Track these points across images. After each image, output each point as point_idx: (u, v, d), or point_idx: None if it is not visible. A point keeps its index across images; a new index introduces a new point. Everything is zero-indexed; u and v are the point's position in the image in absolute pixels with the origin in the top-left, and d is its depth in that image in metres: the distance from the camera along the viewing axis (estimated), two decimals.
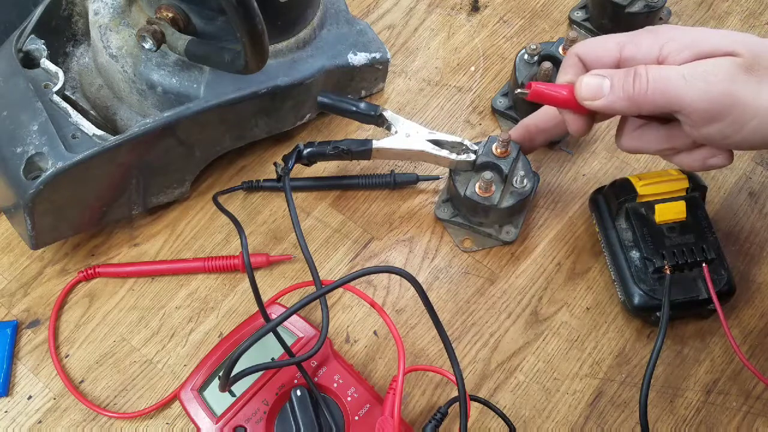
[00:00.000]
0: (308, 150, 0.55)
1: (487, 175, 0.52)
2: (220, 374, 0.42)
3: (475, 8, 0.71)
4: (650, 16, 0.66)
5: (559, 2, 0.71)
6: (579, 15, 0.69)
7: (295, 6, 0.54)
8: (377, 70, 0.63)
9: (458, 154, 0.54)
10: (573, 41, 0.58)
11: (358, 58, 0.60)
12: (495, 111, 0.64)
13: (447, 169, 0.57)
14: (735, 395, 0.51)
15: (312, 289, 0.52)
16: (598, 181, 0.60)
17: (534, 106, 0.61)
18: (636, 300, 0.51)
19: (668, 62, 0.42)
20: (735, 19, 0.70)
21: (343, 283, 0.43)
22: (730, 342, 0.50)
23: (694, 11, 0.70)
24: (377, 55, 0.61)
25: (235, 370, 0.42)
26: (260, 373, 0.47)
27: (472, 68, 0.67)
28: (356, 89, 0.63)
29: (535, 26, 0.70)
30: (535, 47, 0.60)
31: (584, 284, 0.56)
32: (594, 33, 0.68)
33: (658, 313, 0.50)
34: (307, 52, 0.57)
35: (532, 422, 0.50)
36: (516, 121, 0.63)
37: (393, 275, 0.56)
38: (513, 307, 0.55)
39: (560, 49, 0.59)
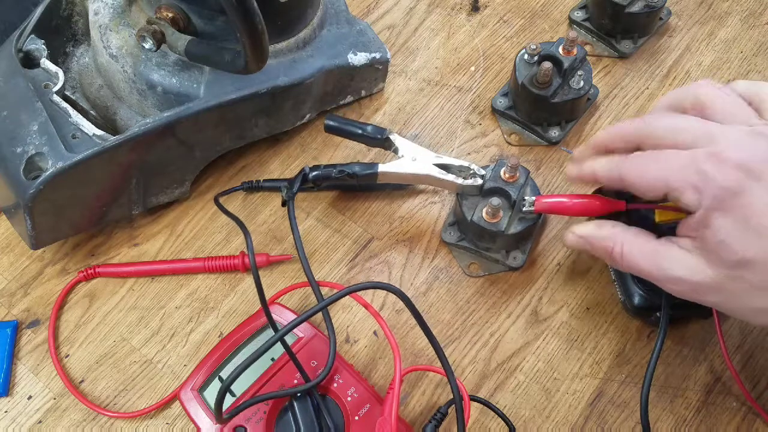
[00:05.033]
0: (314, 173, 0.55)
1: (495, 201, 0.52)
2: (216, 399, 0.43)
3: (475, 8, 0.71)
4: (650, 16, 0.66)
5: (559, 2, 0.71)
6: (579, 15, 0.69)
7: (295, 6, 0.54)
8: (377, 70, 0.63)
9: (465, 178, 0.54)
10: (573, 41, 0.58)
11: (358, 58, 0.60)
12: (495, 111, 0.64)
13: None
14: (735, 395, 0.51)
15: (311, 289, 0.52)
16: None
17: (535, 104, 0.61)
18: (636, 300, 0.51)
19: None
20: (735, 19, 0.70)
21: (337, 298, 0.43)
22: (723, 351, 0.50)
23: (694, 11, 0.70)
24: (377, 55, 0.61)
25: (242, 378, 0.42)
26: (260, 373, 0.48)
27: (472, 68, 0.67)
28: (356, 89, 0.63)
29: (535, 26, 0.70)
30: (535, 47, 0.60)
31: (584, 284, 0.56)
32: (594, 33, 0.68)
33: (658, 313, 0.50)
34: (307, 52, 0.57)
35: (532, 422, 0.50)
36: (516, 121, 0.63)
37: (392, 274, 0.56)
38: (513, 307, 0.55)
39: (560, 49, 0.59)
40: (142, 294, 0.55)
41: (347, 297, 0.52)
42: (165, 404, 0.50)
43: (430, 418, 0.48)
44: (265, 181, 0.59)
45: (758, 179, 0.36)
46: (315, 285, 0.50)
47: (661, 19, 0.68)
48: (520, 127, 0.63)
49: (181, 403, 0.47)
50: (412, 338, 0.53)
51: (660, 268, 0.39)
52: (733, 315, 0.40)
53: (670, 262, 0.39)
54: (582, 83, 0.59)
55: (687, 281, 0.38)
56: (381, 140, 0.56)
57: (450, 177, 0.54)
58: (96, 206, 0.53)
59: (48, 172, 0.47)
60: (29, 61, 0.53)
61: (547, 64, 0.57)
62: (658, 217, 0.52)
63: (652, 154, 0.40)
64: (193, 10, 0.51)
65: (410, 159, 0.55)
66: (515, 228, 0.53)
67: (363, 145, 0.60)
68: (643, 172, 0.40)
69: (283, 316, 0.50)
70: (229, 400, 0.47)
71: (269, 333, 0.49)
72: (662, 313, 0.49)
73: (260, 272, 0.56)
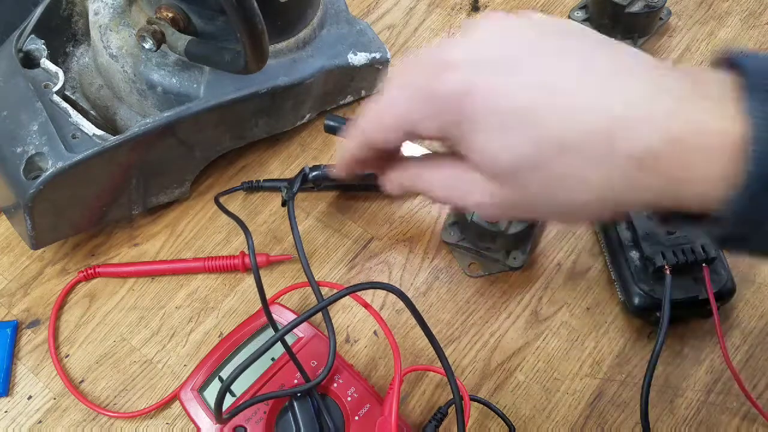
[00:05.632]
0: (314, 173, 0.55)
1: None
2: (216, 399, 0.42)
3: (475, 8, 0.71)
4: (650, 16, 0.66)
5: (559, 2, 0.71)
6: (579, 15, 0.69)
7: (295, 6, 0.54)
8: (377, 70, 0.63)
9: None
10: None
11: (358, 58, 0.60)
12: None
13: None
14: (735, 395, 0.51)
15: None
16: None
17: None
18: (636, 300, 0.51)
19: None
20: (735, 19, 0.70)
21: (337, 298, 0.43)
22: (723, 351, 0.50)
23: (694, 11, 0.70)
24: (377, 55, 0.61)
25: (242, 378, 0.42)
26: (260, 373, 0.48)
27: None
28: (356, 89, 0.63)
29: None
30: None
31: (584, 284, 0.56)
32: None
33: (658, 313, 0.50)
34: (307, 52, 0.57)
35: (532, 422, 0.50)
36: None
37: (392, 274, 0.56)
38: (513, 306, 0.55)
39: None
40: (142, 294, 0.55)
41: (347, 297, 0.52)
42: (165, 404, 0.50)
43: (430, 418, 0.48)
44: (265, 181, 0.59)
45: (479, 65, 0.28)
46: (315, 285, 0.50)
47: (661, 19, 0.68)
48: None
49: (181, 403, 0.47)
50: (412, 338, 0.53)
51: (462, 199, 0.31)
52: (556, 220, 0.32)
53: (469, 186, 0.31)
54: None
55: (488, 205, 0.30)
56: None
57: None
58: (96, 206, 0.53)
59: (48, 172, 0.47)
60: (29, 61, 0.53)
61: None
62: None
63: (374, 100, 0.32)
64: (193, 10, 0.51)
65: None
66: (515, 228, 0.53)
67: None
68: (374, 116, 0.31)
69: (283, 316, 0.50)
70: (229, 400, 0.47)
71: (269, 333, 0.49)
72: (662, 313, 0.49)
73: (260, 272, 0.56)
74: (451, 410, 0.48)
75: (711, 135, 0.25)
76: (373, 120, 0.32)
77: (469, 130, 0.28)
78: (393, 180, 0.35)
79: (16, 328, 0.53)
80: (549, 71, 0.27)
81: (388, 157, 0.34)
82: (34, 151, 0.48)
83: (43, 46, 0.54)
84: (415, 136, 0.30)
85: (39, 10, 0.55)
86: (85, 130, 0.50)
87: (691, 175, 0.25)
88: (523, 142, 0.27)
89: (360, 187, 0.59)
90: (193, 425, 0.47)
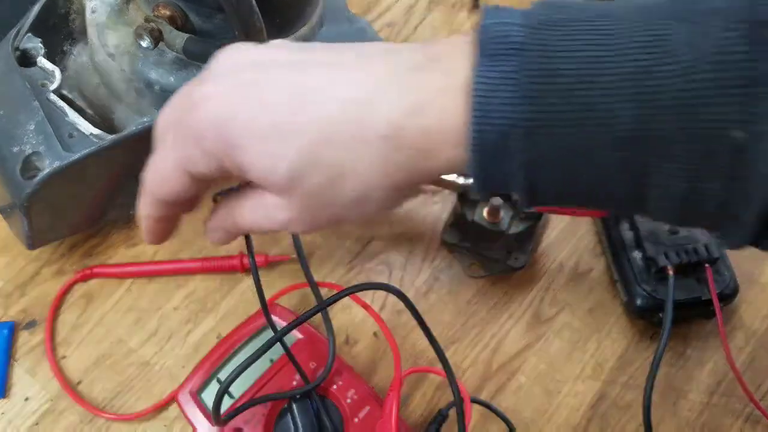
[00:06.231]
0: None
1: (496, 200, 0.51)
2: (214, 401, 0.42)
3: (476, 6, 0.70)
4: None
5: None
6: None
7: (294, 4, 0.54)
8: None
9: (466, 178, 0.54)
10: None
11: None
12: None
13: None
14: (738, 397, 0.51)
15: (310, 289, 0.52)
16: None
17: None
18: (639, 301, 0.51)
19: None
20: None
21: (337, 299, 0.43)
22: (726, 353, 0.49)
23: None
24: None
25: (240, 380, 0.41)
26: (259, 375, 0.47)
27: None
28: None
29: None
30: None
31: (586, 285, 0.55)
32: None
33: (660, 314, 0.50)
34: None
35: (533, 424, 0.50)
36: None
37: (392, 275, 0.55)
38: (514, 308, 0.54)
39: None
40: (140, 295, 0.55)
41: (347, 298, 0.51)
42: (163, 406, 0.50)
43: (431, 420, 0.48)
44: None
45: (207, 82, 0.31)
46: (314, 285, 0.50)
47: None
48: None
49: (179, 405, 0.47)
50: (412, 339, 0.53)
51: (270, 221, 0.32)
52: (357, 219, 0.31)
53: (272, 209, 0.31)
54: None
55: (292, 221, 0.31)
56: None
57: (451, 176, 0.54)
58: (93, 206, 0.53)
59: (45, 172, 0.47)
60: (26, 59, 0.53)
61: None
62: None
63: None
64: (190, 8, 0.50)
65: None
66: (516, 228, 0.52)
67: None
68: (155, 171, 0.32)
69: (282, 317, 0.49)
70: (227, 402, 0.46)
71: (268, 334, 0.48)
72: (665, 314, 0.49)
73: (259, 273, 0.55)
74: (452, 412, 0.48)
75: (441, 102, 0.26)
76: (152, 176, 0.32)
77: (240, 155, 0.28)
78: (212, 228, 0.35)
79: (12, 329, 0.52)
80: (297, 78, 0.28)
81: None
82: (30, 151, 0.48)
83: (40, 45, 0.53)
84: (204, 179, 0.31)
85: (36, 8, 0.54)
86: (82, 129, 0.50)
87: (434, 146, 0.26)
88: (287, 148, 0.28)
89: None
90: (191, 427, 0.46)
